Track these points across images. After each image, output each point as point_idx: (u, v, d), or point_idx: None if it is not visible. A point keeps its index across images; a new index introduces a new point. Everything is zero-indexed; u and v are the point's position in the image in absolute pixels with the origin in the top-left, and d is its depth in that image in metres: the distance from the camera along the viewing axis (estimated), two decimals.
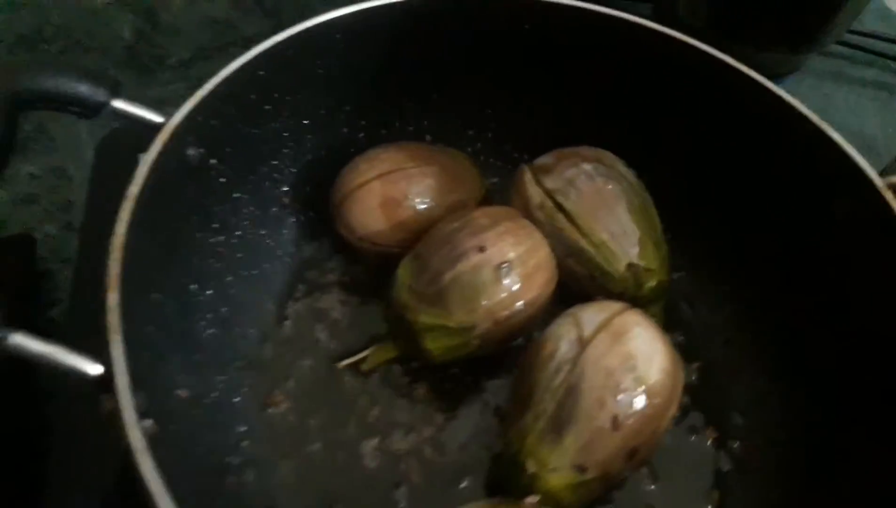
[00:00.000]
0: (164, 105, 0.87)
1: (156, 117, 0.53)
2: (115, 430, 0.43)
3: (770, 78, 0.61)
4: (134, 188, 0.49)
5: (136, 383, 0.43)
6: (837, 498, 0.54)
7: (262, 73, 0.59)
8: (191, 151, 0.55)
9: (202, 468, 0.53)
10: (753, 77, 0.61)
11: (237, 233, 0.64)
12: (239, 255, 0.65)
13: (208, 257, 0.61)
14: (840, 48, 1.01)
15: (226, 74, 0.56)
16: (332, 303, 0.67)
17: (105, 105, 0.51)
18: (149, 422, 0.43)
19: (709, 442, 0.62)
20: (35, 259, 0.76)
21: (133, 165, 0.75)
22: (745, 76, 0.61)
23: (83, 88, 0.48)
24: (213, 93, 0.55)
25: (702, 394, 0.64)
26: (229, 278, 0.63)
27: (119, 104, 0.52)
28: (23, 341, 0.42)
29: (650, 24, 0.63)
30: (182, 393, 0.54)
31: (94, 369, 0.43)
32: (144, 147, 0.73)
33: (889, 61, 1.01)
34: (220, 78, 0.55)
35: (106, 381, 0.44)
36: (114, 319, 0.43)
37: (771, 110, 0.60)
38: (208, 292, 0.61)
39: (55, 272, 0.76)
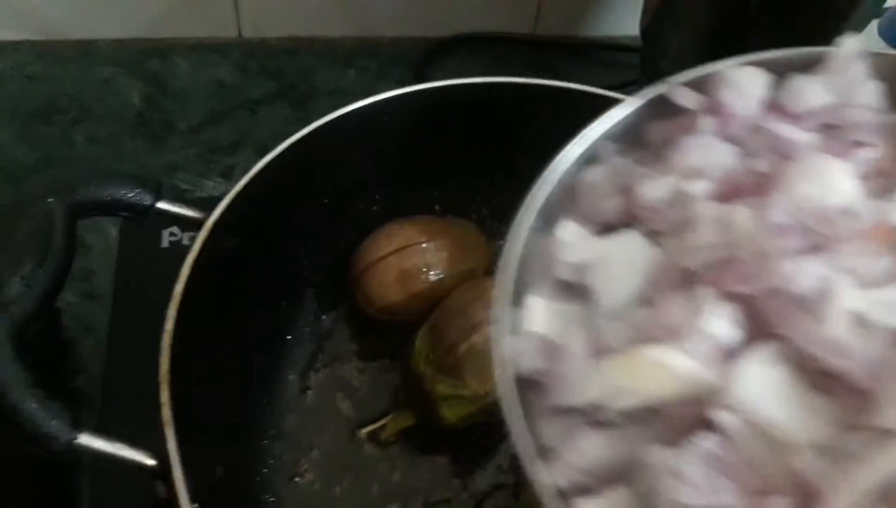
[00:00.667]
0: (176, 171, 0.92)
1: (196, 214, 0.58)
2: None
3: None
4: (179, 286, 0.54)
5: (187, 470, 0.48)
6: None
7: (289, 163, 0.64)
8: (227, 243, 0.60)
9: None
10: None
11: (265, 309, 0.69)
12: (263, 330, 0.70)
13: (238, 338, 0.66)
14: None
15: (257, 169, 0.61)
16: (352, 372, 0.72)
17: (151, 207, 0.55)
18: (195, 506, 0.48)
19: None
20: (60, 328, 0.80)
21: (156, 236, 0.80)
22: None
23: (132, 195, 0.53)
24: (246, 187, 0.60)
25: None
26: (258, 356, 0.68)
27: (163, 205, 0.57)
28: (89, 440, 0.47)
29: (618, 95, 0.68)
30: (219, 471, 0.59)
31: (150, 461, 0.48)
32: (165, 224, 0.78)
33: None
34: (253, 173, 0.60)
35: (160, 471, 0.48)
36: (166, 413, 0.48)
37: None
38: (240, 372, 0.65)
39: (78, 341, 0.79)
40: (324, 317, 0.75)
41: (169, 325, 0.52)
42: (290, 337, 0.72)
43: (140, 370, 0.50)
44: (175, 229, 0.80)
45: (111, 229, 0.82)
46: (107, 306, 0.76)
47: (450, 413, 0.65)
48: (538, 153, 0.76)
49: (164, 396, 0.49)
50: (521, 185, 0.79)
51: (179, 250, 0.80)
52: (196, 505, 0.48)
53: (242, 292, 0.65)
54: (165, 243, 0.80)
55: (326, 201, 0.72)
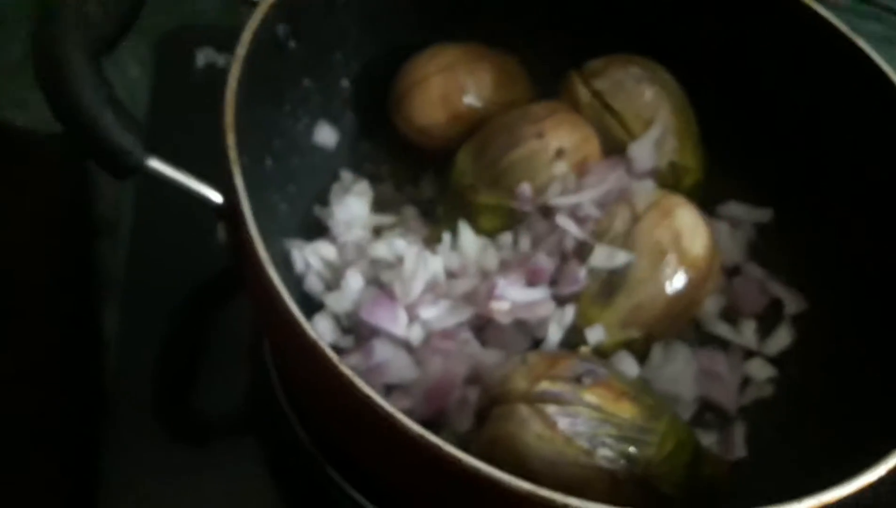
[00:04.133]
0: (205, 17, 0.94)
1: None
2: (235, 253, 0.53)
3: None
4: (241, 50, 0.58)
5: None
6: None
7: None
8: (281, 27, 0.64)
9: None
10: None
11: (305, 119, 0.73)
12: (305, 139, 0.74)
13: (281, 137, 0.70)
14: (848, 1, 1.10)
15: None
16: (388, 191, 0.76)
17: None
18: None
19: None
20: None
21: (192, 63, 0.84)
22: None
23: None
24: None
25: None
26: (295, 159, 0.72)
27: None
28: (158, 165, 0.51)
29: None
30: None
31: (218, 197, 0.52)
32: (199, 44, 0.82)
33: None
34: None
35: (225, 210, 0.53)
36: (233, 155, 0.52)
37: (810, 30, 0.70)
38: (280, 170, 0.70)
39: None
40: (363, 141, 0.79)
41: (233, 82, 0.56)
42: (326, 156, 0.76)
43: None
44: (210, 49, 0.84)
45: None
46: None
47: (488, 224, 0.69)
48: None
49: (231, 139, 0.53)
50: (563, 30, 0.84)
51: (214, 74, 0.85)
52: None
53: (285, 94, 0.69)
54: (200, 62, 0.84)
55: (371, 20, 0.75)
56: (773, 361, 0.70)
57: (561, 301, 0.64)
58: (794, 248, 0.75)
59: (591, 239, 0.65)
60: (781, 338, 0.71)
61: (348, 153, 0.77)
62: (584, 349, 0.62)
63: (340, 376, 0.45)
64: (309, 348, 0.46)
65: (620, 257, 0.63)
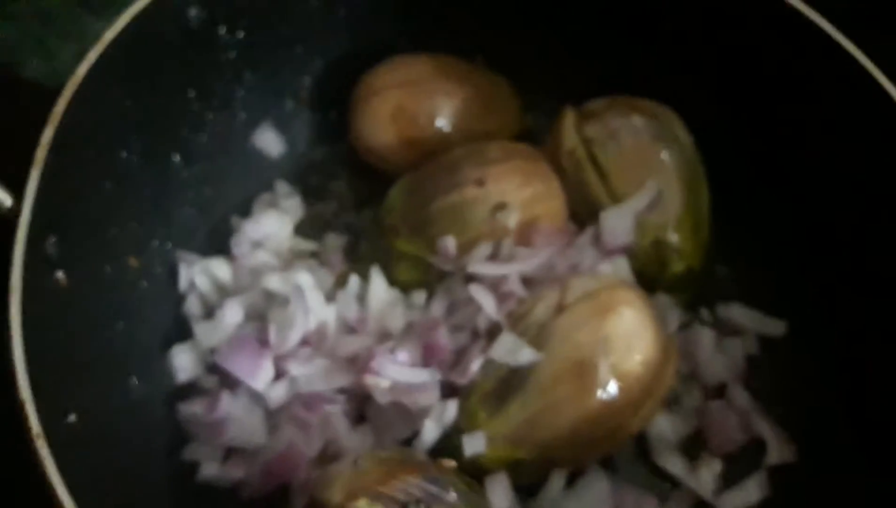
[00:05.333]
0: None
1: None
2: None
3: None
4: (110, 33, 0.50)
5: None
6: None
7: None
8: (192, 11, 0.56)
9: None
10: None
11: (242, 116, 0.65)
12: (239, 140, 0.66)
13: (201, 131, 0.62)
14: None
15: None
16: (326, 213, 0.67)
17: None
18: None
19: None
20: None
21: None
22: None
23: None
24: None
25: None
26: (221, 161, 0.64)
27: None
28: None
29: None
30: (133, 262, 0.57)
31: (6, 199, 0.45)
32: None
33: None
34: None
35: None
36: (41, 154, 0.45)
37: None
38: (193, 170, 0.62)
39: None
40: (316, 148, 0.70)
41: (82, 69, 0.49)
42: (267, 157, 0.67)
43: None
44: None
45: None
46: None
47: (405, 274, 0.59)
48: (611, 22, 0.68)
49: (46, 136, 0.46)
50: (584, 55, 0.71)
51: None
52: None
53: (212, 85, 0.62)
54: None
55: (341, 13, 0.66)
56: None
57: (448, 393, 0.53)
58: (802, 378, 0.59)
59: (503, 323, 0.53)
60: (749, 493, 0.56)
61: (294, 161, 0.69)
62: (447, 462, 0.50)
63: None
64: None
65: (524, 355, 0.51)
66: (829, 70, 0.56)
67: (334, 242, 0.64)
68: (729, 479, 0.57)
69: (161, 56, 0.56)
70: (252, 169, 0.67)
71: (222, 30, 0.60)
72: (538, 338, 0.51)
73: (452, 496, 0.46)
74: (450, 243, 0.56)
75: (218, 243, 0.63)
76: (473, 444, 0.51)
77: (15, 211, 0.44)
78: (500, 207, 0.56)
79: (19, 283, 0.42)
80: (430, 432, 0.52)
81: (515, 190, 0.57)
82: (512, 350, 0.51)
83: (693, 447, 0.58)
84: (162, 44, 0.55)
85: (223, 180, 0.65)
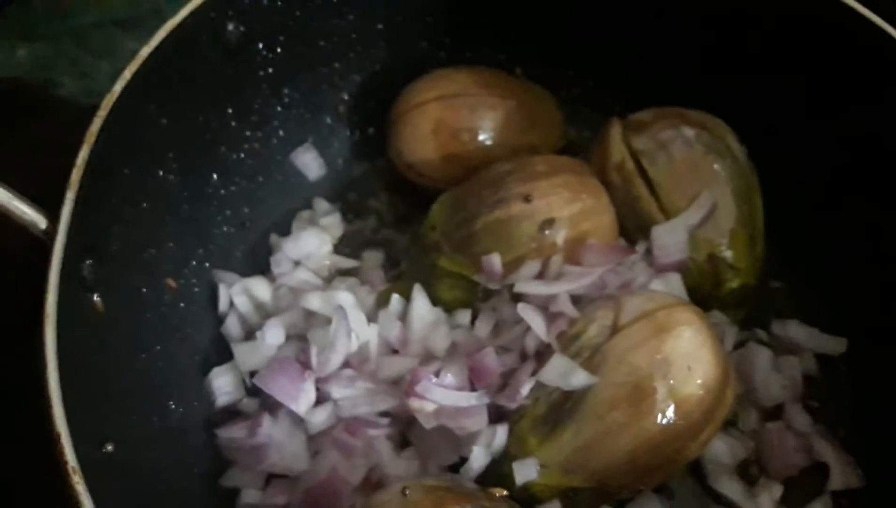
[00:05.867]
0: None
1: None
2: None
3: None
4: (146, 50, 0.48)
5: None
6: None
7: None
8: (230, 27, 0.54)
9: None
10: None
11: (280, 133, 0.63)
12: (278, 158, 0.64)
13: (239, 149, 0.60)
14: None
15: None
16: (365, 230, 0.64)
17: None
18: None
19: None
20: None
21: None
22: None
23: None
24: None
25: None
26: (260, 179, 0.62)
27: None
28: None
29: None
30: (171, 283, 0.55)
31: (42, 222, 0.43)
32: None
33: None
34: None
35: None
36: (76, 175, 0.43)
37: None
38: (231, 188, 0.60)
39: None
40: (355, 165, 0.68)
41: (118, 85, 0.47)
42: (307, 174, 0.65)
43: None
44: None
45: None
46: None
47: (448, 294, 0.56)
48: (657, 31, 0.65)
49: (81, 156, 0.44)
50: (628, 66, 0.68)
51: None
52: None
53: (251, 103, 0.60)
54: None
55: (379, 26, 0.63)
56: None
57: (496, 417, 0.50)
58: (865, 400, 0.56)
59: (555, 344, 0.50)
60: None
61: (332, 177, 0.67)
62: (497, 491, 0.47)
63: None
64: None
65: (578, 378, 0.48)
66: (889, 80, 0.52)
67: (374, 259, 0.62)
68: (790, 505, 0.53)
69: (198, 73, 0.54)
70: (291, 187, 0.64)
71: (260, 45, 0.58)
72: (592, 360, 0.48)
73: None
74: (495, 260, 0.54)
75: (257, 263, 0.61)
76: (525, 471, 0.48)
77: (50, 234, 0.42)
78: (548, 223, 0.54)
79: (54, 309, 0.40)
80: (479, 459, 0.49)
81: (563, 205, 0.54)
82: (564, 373, 0.48)
83: (751, 471, 0.54)
84: (199, 60, 0.53)
85: (262, 199, 0.63)
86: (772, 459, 0.54)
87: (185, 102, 0.54)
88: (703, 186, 0.56)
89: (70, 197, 0.43)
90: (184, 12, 0.50)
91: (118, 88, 0.47)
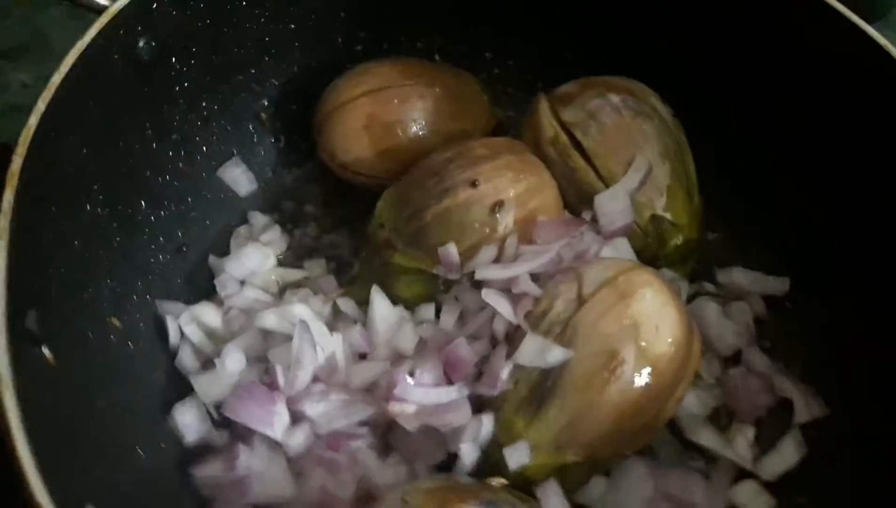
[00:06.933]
0: None
1: (103, 0, 0.48)
2: None
3: None
4: (57, 77, 0.44)
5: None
6: None
7: None
8: (142, 43, 0.50)
9: None
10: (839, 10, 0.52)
11: (203, 150, 0.59)
12: (205, 175, 0.60)
13: (164, 172, 0.56)
14: None
15: None
16: (307, 238, 0.61)
17: None
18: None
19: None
20: None
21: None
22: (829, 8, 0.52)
23: None
24: None
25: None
26: (189, 200, 0.58)
27: None
28: None
29: None
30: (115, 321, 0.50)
31: None
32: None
33: None
34: None
35: None
36: (4, 222, 0.39)
37: (853, 48, 0.51)
38: (161, 213, 0.56)
39: None
40: (284, 173, 0.64)
41: (33, 119, 0.42)
42: (236, 190, 0.61)
43: None
44: None
45: None
46: None
47: (406, 290, 0.54)
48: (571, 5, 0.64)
49: (7, 199, 0.39)
50: (546, 43, 0.68)
51: None
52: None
53: (169, 121, 0.56)
54: None
55: (292, 26, 0.60)
56: (773, 487, 0.52)
57: (478, 408, 0.48)
58: (815, 331, 0.57)
59: (524, 324, 0.49)
60: (786, 455, 0.53)
61: (264, 188, 0.63)
62: (495, 481, 0.46)
63: None
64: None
65: (554, 355, 0.47)
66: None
67: (321, 267, 0.59)
68: (765, 445, 0.54)
69: (114, 95, 0.50)
70: (222, 204, 0.61)
71: (173, 60, 0.54)
72: (564, 335, 0.47)
73: None
74: (452, 250, 0.52)
75: (199, 288, 0.57)
76: (517, 456, 0.46)
77: None
78: (498, 205, 0.52)
79: (9, 371, 0.35)
80: (469, 453, 0.47)
81: (509, 186, 0.53)
82: (540, 352, 0.47)
83: (722, 420, 0.55)
84: (114, 82, 0.49)
85: (194, 221, 0.59)
86: (739, 403, 0.55)
87: (104, 127, 0.49)
88: (636, 150, 0.56)
89: (2, 246, 0.38)
90: (91, 32, 0.46)
91: (33, 121, 0.42)
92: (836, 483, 0.52)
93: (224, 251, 0.59)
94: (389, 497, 0.43)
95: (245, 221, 0.61)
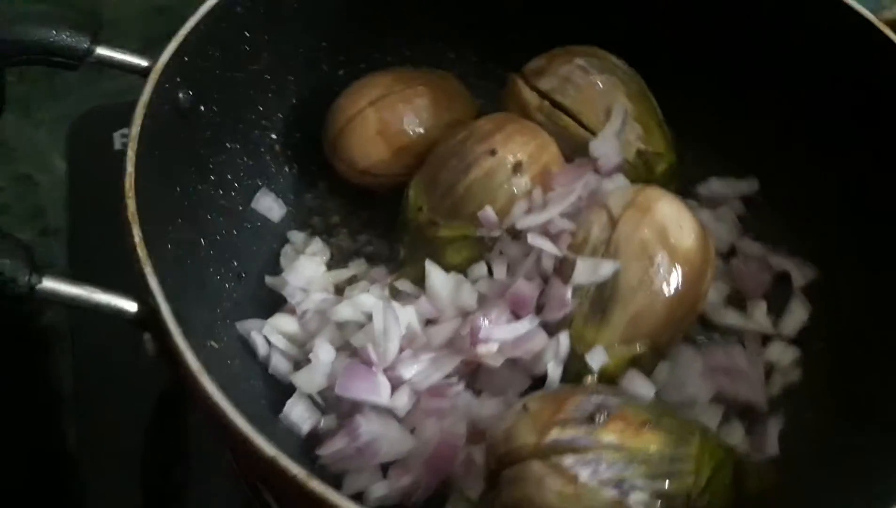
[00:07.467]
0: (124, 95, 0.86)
1: (141, 61, 0.53)
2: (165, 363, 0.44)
3: None
4: (134, 129, 0.49)
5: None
6: None
7: (238, 9, 0.59)
8: (181, 95, 0.55)
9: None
10: None
11: (235, 186, 0.65)
12: (240, 208, 0.65)
13: (210, 209, 0.61)
14: None
15: (203, 11, 0.56)
16: (343, 244, 0.67)
17: (88, 52, 0.50)
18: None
19: None
20: None
21: (108, 148, 0.75)
22: None
23: (66, 36, 0.48)
24: (193, 31, 0.55)
25: None
26: (235, 232, 0.64)
27: (103, 51, 0.52)
28: (55, 285, 0.42)
29: None
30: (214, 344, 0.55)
31: (132, 305, 0.43)
32: (115, 126, 0.73)
33: None
34: (199, 15, 0.56)
35: (144, 318, 0.44)
36: (142, 252, 0.43)
37: None
38: (218, 247, 0.61)
39: None
40: (305, 194, 0.70)
41: (129, 166, 0.47)
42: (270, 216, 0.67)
43: None
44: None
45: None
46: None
47: (456, 257, 0.61)
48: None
49: (137, 234, 0.44)
50: (499, 34, 0.76)
51: None
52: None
53: (206, 163, 0.61)
54: (118, 144, 0.75)
55: (286, 62, 0.67)
56: (795, 341, 0.62)
57: (552, 330, 0.56)
58: (790, 213, 0.67)
59: (570, 254, 0.56)
60: (797, 314, 0.63)
61: (294, 212, 0.69)
62: (589, 380, 0.53)
63: (309, 493, 0.36)
64: (268, 464, 0.37)
65: (605, 268, 0.55)
66: None
67: (364, 265, 0.65)
68: (777, 312, 0.63)
69: (169, 145, 0.55)
70: (262, 231, 0.66)
71: (201, 107, 0.59)
72: (608, 252, 0.55)
73: (614, 400, 0.49)
74: (489, 212, 0.59)
75: (266, 307, 0.62)
76: (598, 358, 0.54)
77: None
78: (518, 166, 0.60)
79: None
80: (554, 370, 0.54)
81: (522, 148, 0.61)
82: (593, 269, 0.55)
83: (736, 300, 0.64)
84: (168, 134, 0.54)
85: (243, 249, 0.64)
86: (746, 284, 0.64)
87: (165, 175, 0.54)
88: (611, 99, 0.66)
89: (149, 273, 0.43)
90: (147, 89, 0.51)
91: (130, 169, 0.47)
92: (841, 327, 0.61)
93: (276, 271, 0.64)
94: (511, 410, 0.50)
95: (286, 241, 0.66)
